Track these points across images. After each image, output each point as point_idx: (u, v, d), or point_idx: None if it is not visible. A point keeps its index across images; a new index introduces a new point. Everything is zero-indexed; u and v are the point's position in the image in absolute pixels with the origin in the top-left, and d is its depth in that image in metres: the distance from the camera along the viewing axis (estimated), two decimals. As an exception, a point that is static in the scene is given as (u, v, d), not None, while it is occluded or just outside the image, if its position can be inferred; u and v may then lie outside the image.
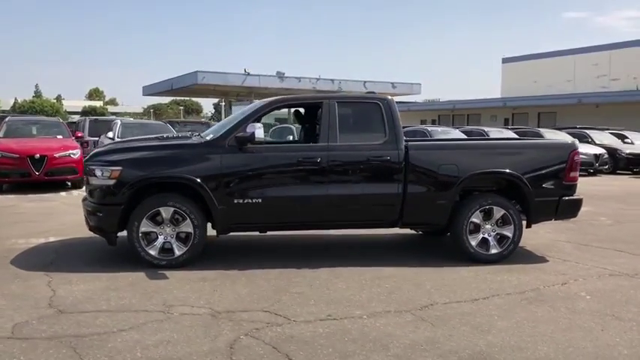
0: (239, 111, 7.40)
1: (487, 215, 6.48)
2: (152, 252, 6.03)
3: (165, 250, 6.07)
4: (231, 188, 6.11)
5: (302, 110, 7.17)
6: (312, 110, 6.78)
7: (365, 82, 37.32)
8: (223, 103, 61.55)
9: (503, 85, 59.42)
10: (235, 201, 6.11)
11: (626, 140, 22.90)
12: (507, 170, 6.44)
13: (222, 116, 76.26)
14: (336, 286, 5.50)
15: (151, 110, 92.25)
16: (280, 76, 36.06)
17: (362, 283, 5.57)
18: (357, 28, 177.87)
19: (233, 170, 6.12)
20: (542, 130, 22.33)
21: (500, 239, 6.51)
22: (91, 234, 6.51)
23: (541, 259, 6.68)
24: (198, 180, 6.01)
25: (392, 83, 37.90)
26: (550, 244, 7.55)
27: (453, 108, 51.65)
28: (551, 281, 5.76)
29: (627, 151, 21.33)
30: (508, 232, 6.50)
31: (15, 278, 5.63)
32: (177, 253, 6.05)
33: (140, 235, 5.99)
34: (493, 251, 6.48)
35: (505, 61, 63.15)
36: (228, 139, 6.17)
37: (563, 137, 18.77)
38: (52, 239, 7.51)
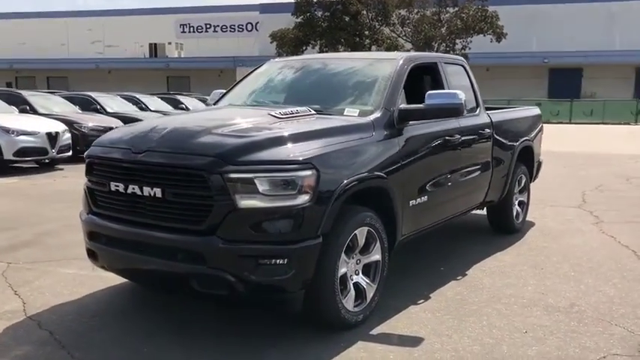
0: (315, 74, 4.93)
1: (518, 185, 6.44)
2: (348, 305, 3.66)
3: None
4: (409, 185, 4.22)
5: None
6: (424, 72, 5.08)
7: None
8: None
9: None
10: (411, 203, 4.26)
11: (141, 106, 17.83)
12: (529, 139, 6.50)
13: None
14: (543, 281, 4.67)
15: None
16: None
17: (541, 279, 4.86)
18: None
19: (408, 160, 4.20)
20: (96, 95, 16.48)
21: (519, 205, 6.57)
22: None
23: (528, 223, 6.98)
24: (388, 180, 3.92)
25: None
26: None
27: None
28: (604, 239, 6.21)
29: (91, 125, 13.13)
30: (524, 197, 6.64)
31: None
32: (369, 296, 3.84)
33: (337, 280, 3.53)
34: (520, 219, 6.52)
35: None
36: (394, 116, 4.16)
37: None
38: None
